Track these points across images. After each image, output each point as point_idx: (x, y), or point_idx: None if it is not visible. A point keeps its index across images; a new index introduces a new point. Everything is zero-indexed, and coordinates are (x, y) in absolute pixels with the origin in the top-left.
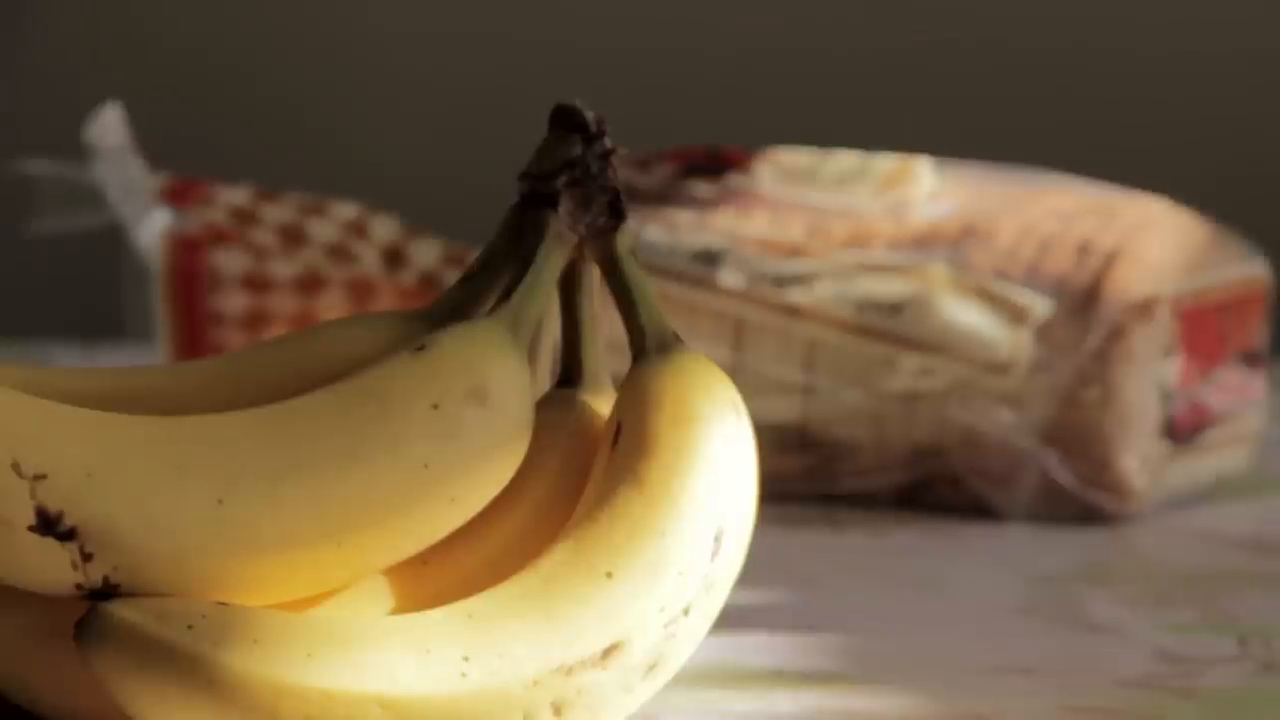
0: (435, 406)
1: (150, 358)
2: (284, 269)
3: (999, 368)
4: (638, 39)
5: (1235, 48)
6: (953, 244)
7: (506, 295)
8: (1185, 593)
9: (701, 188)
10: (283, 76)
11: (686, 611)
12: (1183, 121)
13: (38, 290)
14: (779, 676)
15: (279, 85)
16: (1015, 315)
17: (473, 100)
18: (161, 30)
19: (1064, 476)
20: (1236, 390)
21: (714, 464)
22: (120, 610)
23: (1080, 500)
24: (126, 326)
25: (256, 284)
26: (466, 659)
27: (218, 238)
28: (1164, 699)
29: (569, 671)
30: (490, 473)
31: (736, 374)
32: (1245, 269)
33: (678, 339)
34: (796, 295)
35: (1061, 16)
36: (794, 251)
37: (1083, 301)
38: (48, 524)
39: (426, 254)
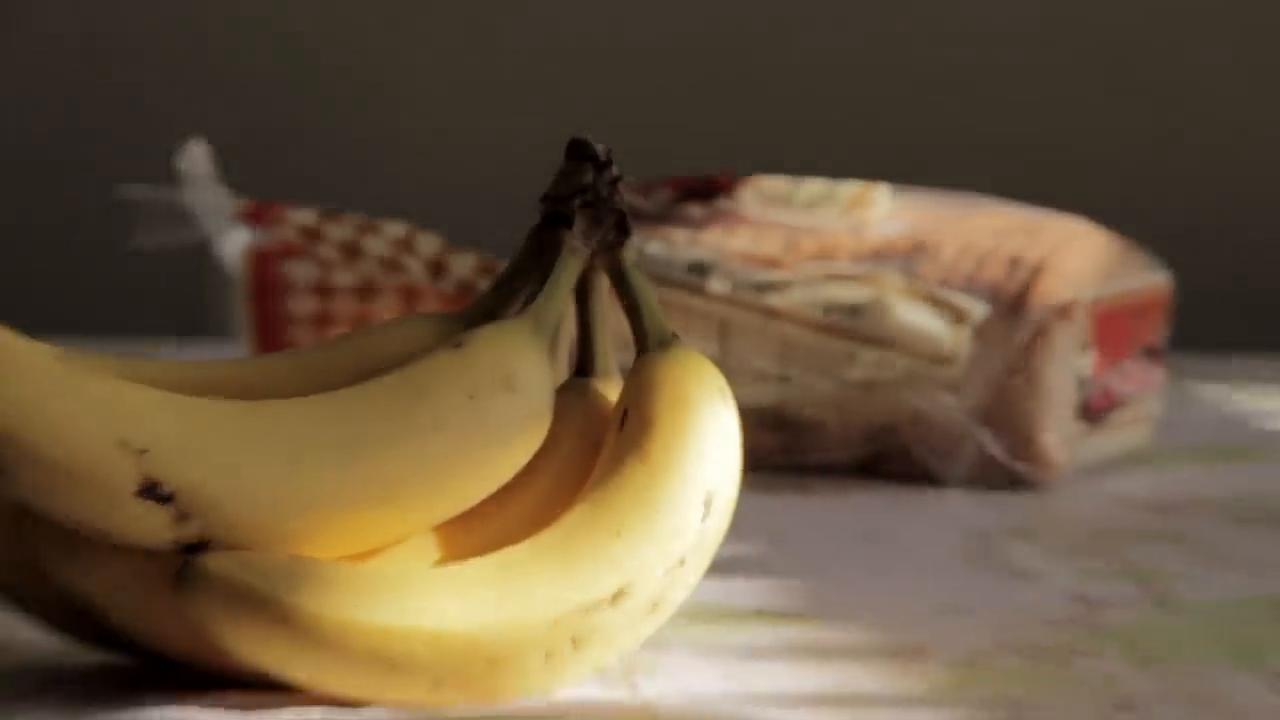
0: (471, 394)
1: (233, 352)
2: (345, 278)
3: (943, 360)
4: (644, 82)
5: (1139, 94)
6: (904, 257)
7: (530, 300)
8: (1095, 546)
9: (694, 210)
10: (344, 114)
11: (682, 562)
12: (1099, 154)
13: (140, 296)
14: (759, 615)
15: (340, 122)
16: (956, 316)
17: (502, 141)
18: (241, 77)
19: (996, 450)
20: (1140, 379)
21: (705, 440)
22: (211, 562)
23: (1009, 470)
24: (212, 327)
25: (323, 291)
26: (499, 601)
27: (289, 252)
28: (1078, 633)
29: (585, 612)
30: (517, 448)
31: (723, 366)
32: (1150, 278)
33: (675, 336)
34: (773, 299)
35: (997, 65)
36: (771, 263)
37: (1012, 305)
38: (150, 490)
39: (463, 265)
